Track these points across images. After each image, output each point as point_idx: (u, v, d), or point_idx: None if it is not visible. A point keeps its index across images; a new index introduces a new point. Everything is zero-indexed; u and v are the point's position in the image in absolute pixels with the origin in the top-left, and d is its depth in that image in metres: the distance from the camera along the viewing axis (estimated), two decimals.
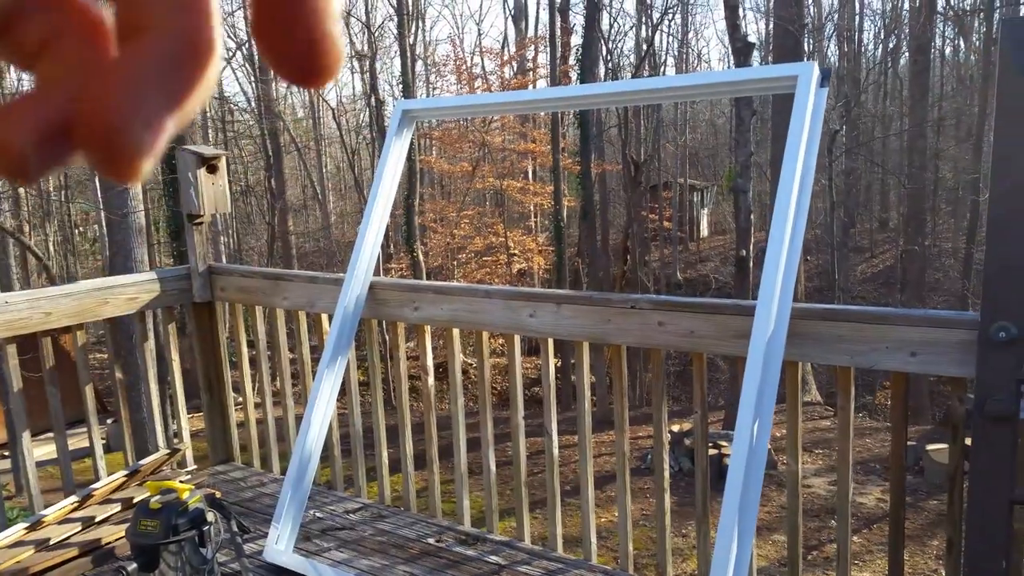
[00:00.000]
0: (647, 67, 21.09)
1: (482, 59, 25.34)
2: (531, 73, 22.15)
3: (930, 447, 10.37)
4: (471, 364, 12.18)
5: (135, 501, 2.79)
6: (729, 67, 22.03)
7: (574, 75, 18.65)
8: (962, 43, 24.79)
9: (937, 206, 22.27)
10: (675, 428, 11.26)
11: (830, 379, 15.80)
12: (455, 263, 20.31)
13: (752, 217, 11.81)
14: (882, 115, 26.08)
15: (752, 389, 1.97)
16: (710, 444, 2.47)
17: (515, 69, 22.29)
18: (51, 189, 23.49)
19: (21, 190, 17.54)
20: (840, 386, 2.17)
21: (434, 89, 24.66)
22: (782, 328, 2.03)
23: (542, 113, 20.63)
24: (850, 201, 23.36)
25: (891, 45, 25.05)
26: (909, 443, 2.31)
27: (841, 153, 19.02)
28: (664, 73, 24.65)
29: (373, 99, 21.87)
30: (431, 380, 2.98)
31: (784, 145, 2.14)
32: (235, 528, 2.49)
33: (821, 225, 20.29)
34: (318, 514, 3.05)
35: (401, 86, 20.09)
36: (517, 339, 2.78)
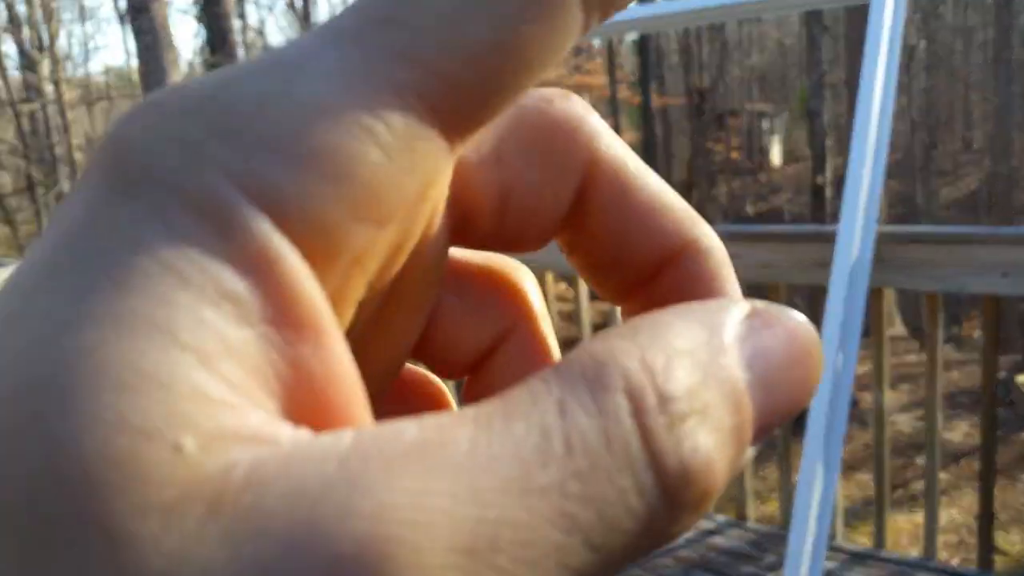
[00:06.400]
0: None
1: None
2: None
3: (1020, 378, 10.05)
4: None
5: None
6: None
7: None
8: None
9: None
10: None
11: (914, 312, 15.27)
12: None
13: (828, 142, 11.36)
14: (963, 27, 24.57)
15: (835, 318, 1.87)
16: None
17: None
18: None
19: None
20: (928, 313, 2.06)
21: None
22: (867, 253, 1.92)
23: (596, 42, 20.10)
24: (931, 121, 22.30)
25: None
26: (998, 374, 2.21)
27: (920, 69, 18.09)
28: None
29: None
30: None
31: (860, 62, 1.99)
32: None
33: (901, 148, 19.45)
34: None
35: None
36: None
